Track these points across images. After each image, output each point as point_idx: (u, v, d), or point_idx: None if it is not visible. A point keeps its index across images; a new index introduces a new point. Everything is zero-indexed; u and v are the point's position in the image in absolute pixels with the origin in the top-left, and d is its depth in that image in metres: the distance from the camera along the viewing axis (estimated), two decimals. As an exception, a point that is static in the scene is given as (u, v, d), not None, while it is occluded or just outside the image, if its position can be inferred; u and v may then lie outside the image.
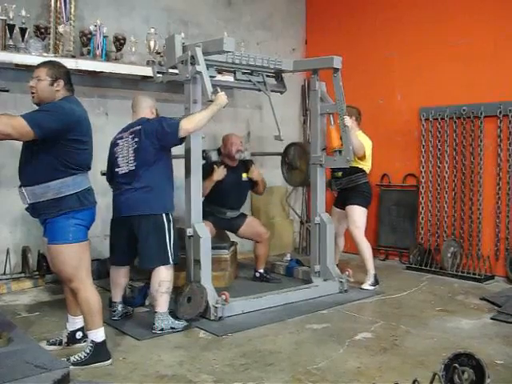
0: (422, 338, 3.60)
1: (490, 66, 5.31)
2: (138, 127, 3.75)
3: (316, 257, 4.85)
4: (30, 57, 4.52)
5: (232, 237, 5.31)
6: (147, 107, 3.90)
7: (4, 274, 4.71)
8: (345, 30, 6.53)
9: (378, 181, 6.15)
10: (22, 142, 2.99)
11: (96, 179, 3.68)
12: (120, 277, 3.92)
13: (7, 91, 4.39)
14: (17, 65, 4.56)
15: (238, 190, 4.99)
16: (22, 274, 4.79)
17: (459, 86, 5.50)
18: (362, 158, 4.84)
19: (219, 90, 3.89)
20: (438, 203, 5.73)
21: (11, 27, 4.56)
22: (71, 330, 3.33)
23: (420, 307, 4.32)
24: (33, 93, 3.01)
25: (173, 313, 3.79)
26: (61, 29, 4.83)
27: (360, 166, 4.90)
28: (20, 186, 3.00)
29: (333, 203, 5.27)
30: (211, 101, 3.82)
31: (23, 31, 4.62)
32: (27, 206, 3.02)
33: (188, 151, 4.11)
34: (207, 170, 4.53)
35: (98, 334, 3.10)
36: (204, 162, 4.55)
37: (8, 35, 4.56)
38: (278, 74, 5.07)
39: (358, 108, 4.97)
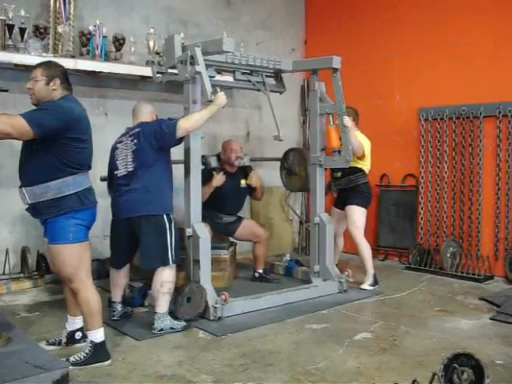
0: (422, 339, 3.60)
1: (489, 66, 5.31)
2: (137, 129, 3.78)
3: (315, 257, 4.85)
4: (30, 57, 4.51)
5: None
6: (147, 112, 3.92)
7: (3, 274, 4.70)
8: (344, 30, 6.53)
9: (377, 181, 6.15)
10: (21, 142, 2.99)
11: (96, 179, 3.67)
12: (120, 278, 3.93)
13: (6, 91, 4.39)
14: (16, 65, 4.55)
15: (236, 196, 5.00)
16: (22, 274, 4.78)
17: (459, 86, 5.50)
18: (362, 157, 4.84)
19: (219, 90, 3.89)
20: (438, 203, 5.73)
21: (10, 27, 4.55)
22: (70, 330, 3.33)
23: (419, 307, 4.32)
24: (31, 94, 3.02)
25: (172, 313, 3.79)
26: (60, 29, 4.82)
27: (359, 166, 4.90)
28: (20, 187, 3.00)
29: (332, 203, 5.27)
30: (210, 101, 3.83)
31: (22, 31, 4.62)
32: (27, 206, 3.02)
33: (187, 151, 4.11)
34: (206, 176, 4.53)
35: (98, 335, 3.10)
36: (203, 167, 4.55)
37: (7, 35, 4.55)
38: (278, 74, 5.07)
39: (355, 108, 4.97)
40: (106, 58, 5.12)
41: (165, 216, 3.70)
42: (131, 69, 5.17)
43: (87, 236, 3.10)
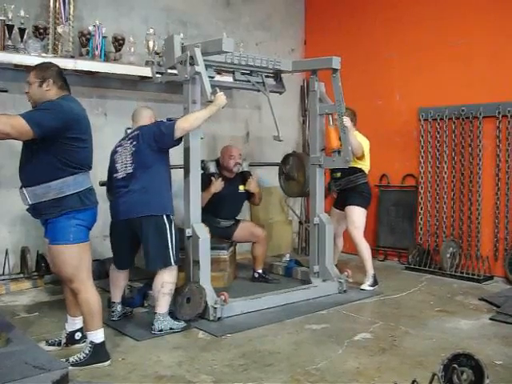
0: (421, 339, 3.60)
1: (489, 66, 5.31)
2: (136, 132, 3.79)
3: (315, 257, 4.85)
4: (29, 57, 4.51)
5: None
6: (147, 116, 3.93)
7: (3, 274, 4.70)
8: (344, 30, 6.53)
9: (377, 181, 6.15)
10: (21, 142, 2.99)
11: (95, 182, 3.67)
12: (120, 279, 3.93)
13: (6, 91, 4.40)
14: (16, 65, 4.55)
15: (234, 201, 5.00)
16: (21, 275, 4.78)
17: (458, 86, 5.50)
18: (361, 157, 4.84)
19: (218, 90, 3.89)
20: (437, 204, 5.73)
21: (10, 27, 4.56)
22: (70, 330, 3.33)
23: (419, 308, 4.32)
24: (28, 97, 3.05)
25: (172, 313, 3.79)
26: (60, 29, 4.82)
27: (359, 166, 4.89)
28: (21, 187, 3.00)
29: (332, 204, 5.27)
30: (210, 101, 3.83)
31: (22, 31, 4.62)
32: (28, 206, 3.02)
33: (187, 151, 4.10)
34: (205, 182, 4.52)
35: (98, 335, 3.10)
36: (202, 172, 4.55)
37: (7, 35, 4.55)
38: (277, 75, 5.07)
39: (353, 109, 4.95)
40: (106, 58, 5.11)
41: (165, 216, 3.70)
42: (131, 69, 5.17)
43: (88, 236, 3.10)
